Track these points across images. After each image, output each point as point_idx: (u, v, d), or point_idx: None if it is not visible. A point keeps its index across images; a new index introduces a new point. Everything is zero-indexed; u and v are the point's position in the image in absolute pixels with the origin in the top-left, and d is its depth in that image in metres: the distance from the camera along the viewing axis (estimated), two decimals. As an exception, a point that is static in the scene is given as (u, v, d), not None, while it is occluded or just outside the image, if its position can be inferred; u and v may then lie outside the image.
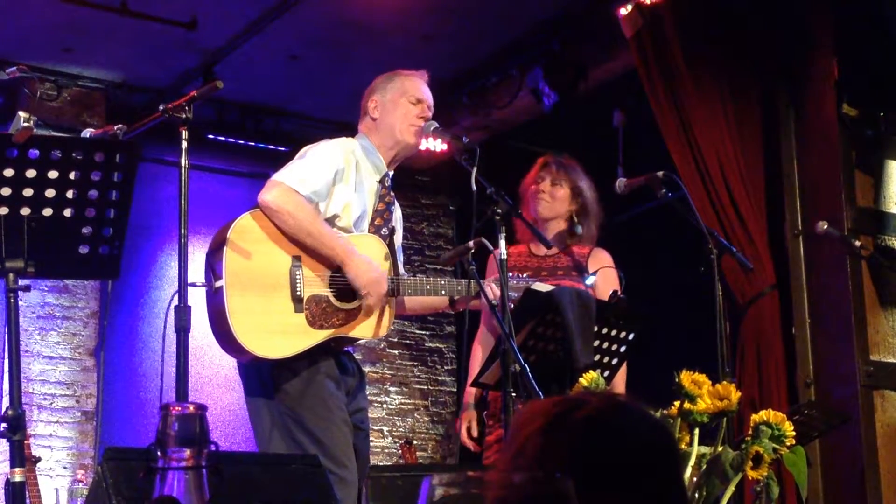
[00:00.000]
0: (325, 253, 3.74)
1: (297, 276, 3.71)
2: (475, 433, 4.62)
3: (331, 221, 3.83)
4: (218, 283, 3.62)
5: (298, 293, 3.70)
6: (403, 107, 4.05)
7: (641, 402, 1.47)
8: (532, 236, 4.50)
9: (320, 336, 3.74)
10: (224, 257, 3.63)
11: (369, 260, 3.81)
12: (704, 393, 2.82)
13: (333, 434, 3.72)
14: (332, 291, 3.78)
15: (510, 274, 4.03)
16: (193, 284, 3.59)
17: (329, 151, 3.88)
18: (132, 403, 7.20)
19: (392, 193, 4.07)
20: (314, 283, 3.75)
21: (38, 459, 5.63)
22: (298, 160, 3.83)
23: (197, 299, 3.40)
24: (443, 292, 3.96)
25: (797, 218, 5.53)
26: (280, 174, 3.77)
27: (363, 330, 3.84)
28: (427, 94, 4.11)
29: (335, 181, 3.82)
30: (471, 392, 4.66)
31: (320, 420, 3.72)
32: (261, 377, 3.78)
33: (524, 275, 4.32)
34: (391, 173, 4.08)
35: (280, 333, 3.68)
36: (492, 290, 3.86)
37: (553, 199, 4.70)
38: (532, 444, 1.39)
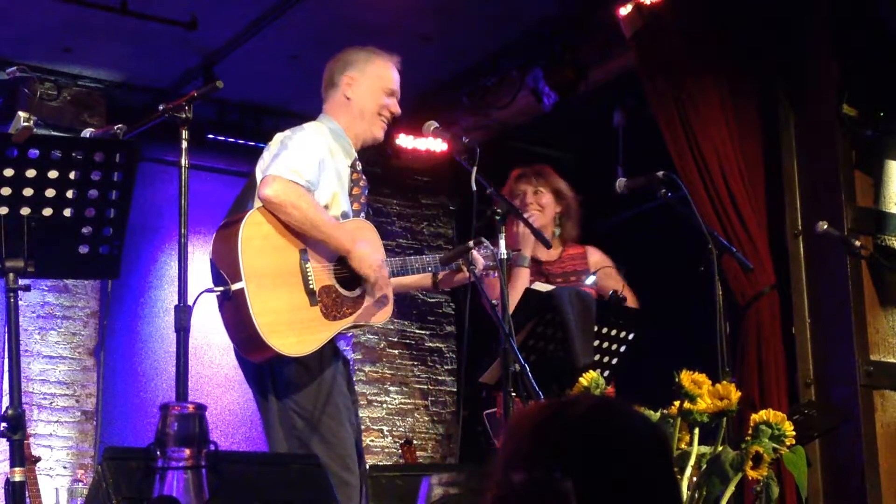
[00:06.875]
0: (329, 244, 3.73)
1: (308, 269, 3.69)
2: None
3: None
4: (237, 285, 3.55)
5: (311, 286, 3.68)
6: (377, 96, 3.99)
7: (639, 402, 1.48)
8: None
9: (337, 327, 3.74)
10: (240, 258, 3.56)
11: (370, 247, 3.80)
12: (704, 393, 2.82)
13: (342, 436, 3.70)
14: (337, 281, 3.77)
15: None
16: (211, 290, 3.56)
17: (310, 141, 3.81)
18: (132, 403, 7.20)
19: (364, 177, 4.02)
20: (322, 275, 3.73)
21: (38, 459, 5.62)
22: (283, 151, 3.74)
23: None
24: (430, 269, 3.98)
25: (797, 218, 5.53)
26: (273, 168, 3.68)
27: (373, 316, 3.84)
28: (398, 86, 4.06)
29: (320, 171, 3.78)
30: None
31: (331, 420, 3.69)
32: (273, 375, 3.74)
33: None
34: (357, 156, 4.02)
35: (302, 330, 3.65)
36: (480, 260, 3.89)
37: (541, 206, 4.76)
38: (524, 446, 1.39)
